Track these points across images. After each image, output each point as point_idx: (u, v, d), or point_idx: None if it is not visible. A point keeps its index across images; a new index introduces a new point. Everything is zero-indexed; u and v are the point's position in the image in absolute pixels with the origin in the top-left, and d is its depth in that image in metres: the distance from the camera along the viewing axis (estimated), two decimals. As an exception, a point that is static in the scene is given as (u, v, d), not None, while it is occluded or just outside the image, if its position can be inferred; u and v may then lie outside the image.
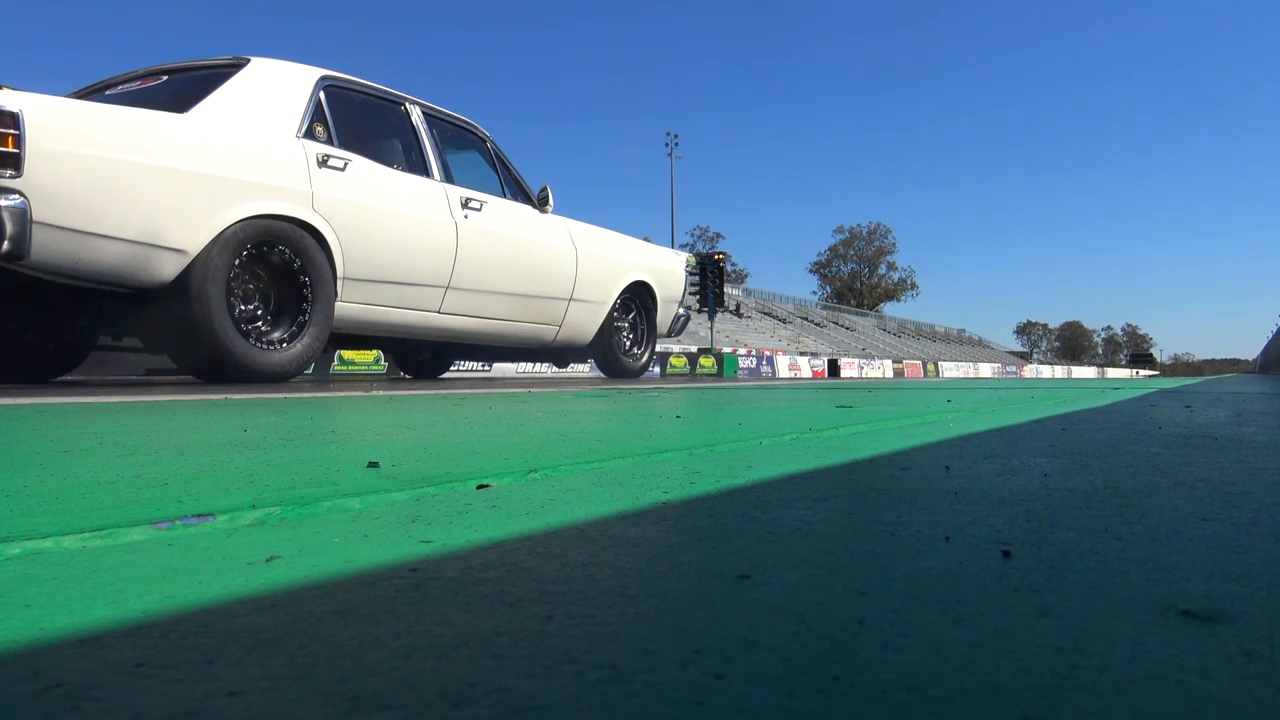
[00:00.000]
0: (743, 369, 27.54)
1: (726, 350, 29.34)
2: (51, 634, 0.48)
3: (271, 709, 0.38)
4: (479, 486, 1.00)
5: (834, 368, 33.32)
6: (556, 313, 5.30)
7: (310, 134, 4.00)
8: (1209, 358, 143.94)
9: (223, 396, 3.07)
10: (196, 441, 1.51)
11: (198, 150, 3.51)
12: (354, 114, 4.30)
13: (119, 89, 4.13)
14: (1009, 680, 0.41)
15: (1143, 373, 76.45)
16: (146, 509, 0.82)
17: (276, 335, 3.89)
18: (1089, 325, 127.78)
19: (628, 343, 6.02)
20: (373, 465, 1.14)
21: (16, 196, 3.01)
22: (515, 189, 5.13)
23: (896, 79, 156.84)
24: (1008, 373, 49.84)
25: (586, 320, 5.53)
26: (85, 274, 3.32)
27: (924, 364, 44.73)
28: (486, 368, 17.69)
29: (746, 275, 73.51)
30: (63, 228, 3.13)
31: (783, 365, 30.99)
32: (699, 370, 23.93)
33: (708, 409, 2.71)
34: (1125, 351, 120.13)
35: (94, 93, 4.21)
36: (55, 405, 2.63)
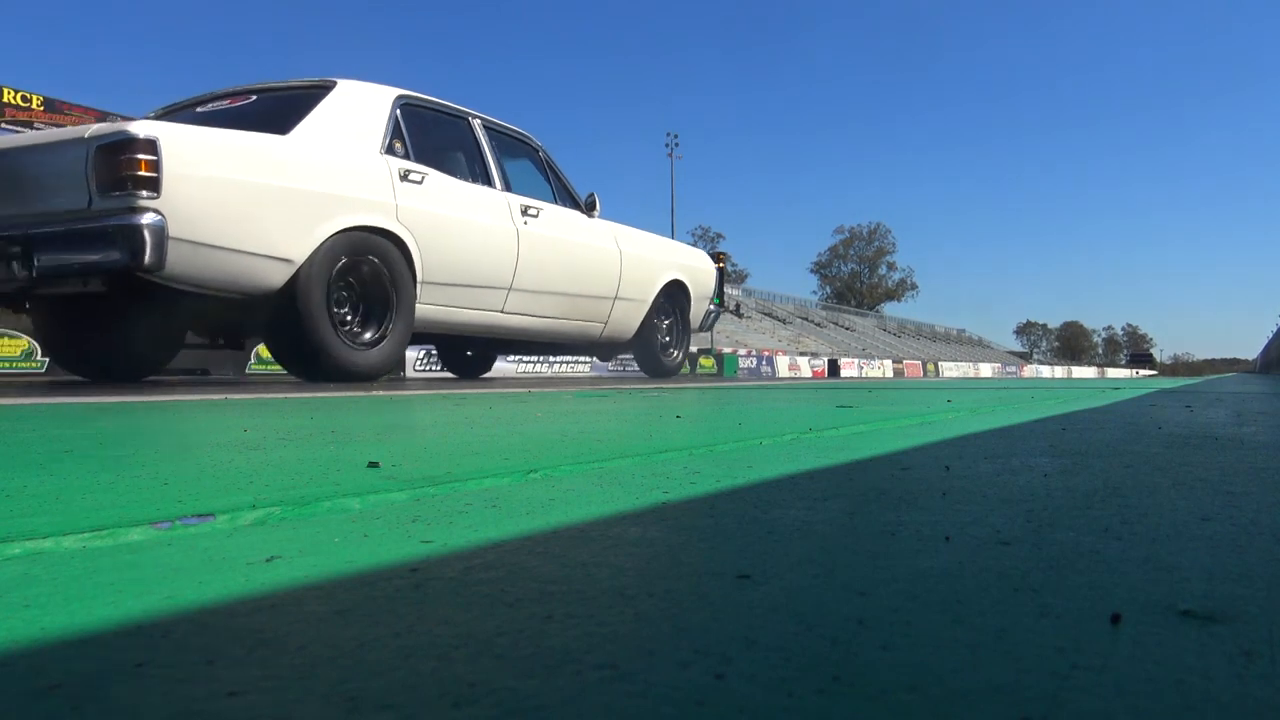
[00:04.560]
0: (743, 369, 27.53)
1: (726, 350, 29.34)
2: (51, 634, 0.48)
3: (271, 709, 0.38)
4: (370, 464, 1.00)
5: (834, 368, 33.33)
6: (603, 311, 5.63)
7: (391, 150, 4.31)
8: (1209, 358, 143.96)
9: (222, 397, 3.07)
10: (196, 441, 1.51)
11: (301, 169, 3.83)
12: (425, 129, 4.62)
13: (209, 107, 4.43)
14: (1009, 680, 0.41)
15: (1142, 373, 76.47)
16: (146, 509, 0.82)
17: (367, 336, 4.19)
18: (1089, 325, 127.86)
19: (665, 338, 6.37)
20: (373, 465, 1.14)
21: (156, 215, 3.29)
22: (564, 195, 5.47)
23: (896, 79, 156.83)
24: (1008, 373, 49.84)
25: (629, 317, 5.86)
26: (209, 284, 3.62)
27: (924, 364, 44.74)
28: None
29: (747, 275, 73.53)
30: (192, 242, 3.43)
31: (783, 365, 30.99)
32: (699, 370, 23.94)
33: (708, 409, 2.71)
34: (1125, 351, 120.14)
35: (184, 109, 4.52)
36: (55, 405, 2.63)
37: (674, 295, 6.30)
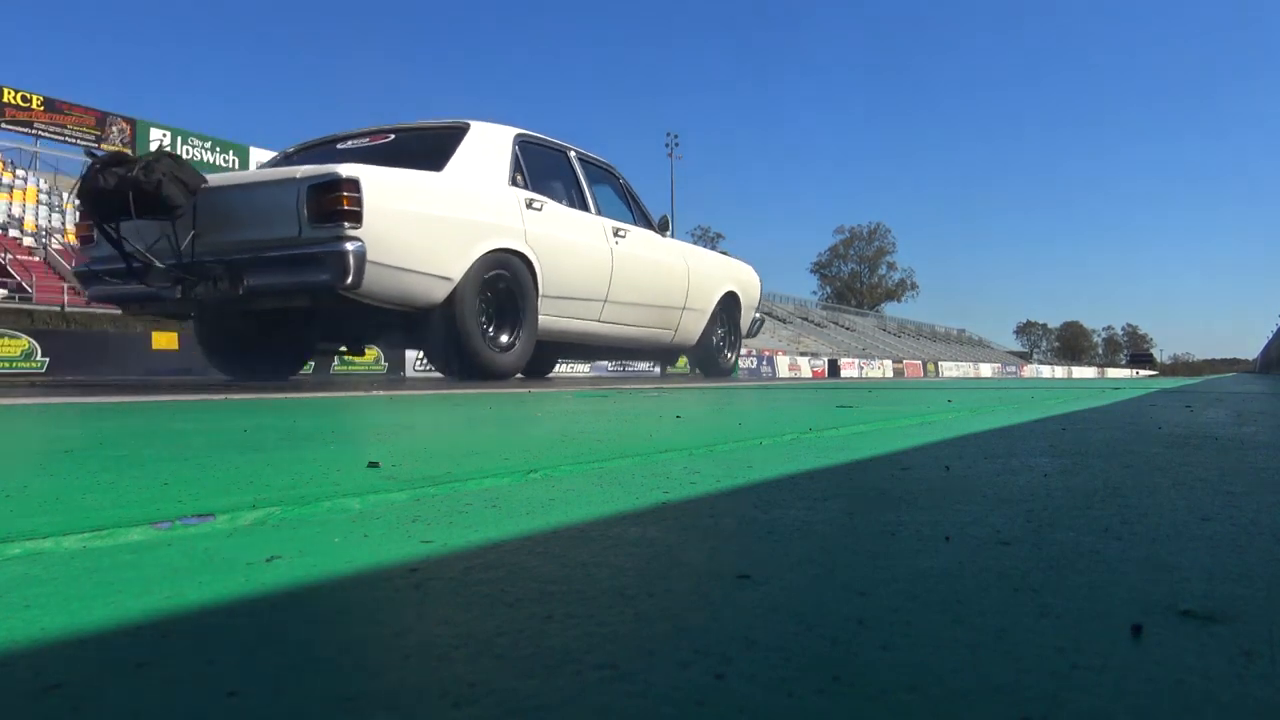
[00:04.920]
0: (743, 369, 27.52)
1: (726, 350, 29.29)
2: (51, 634, 0.48)
3: (271, 709, 0.38)
4: (370, 464, 1.00)
5: (834, 368, 33.31)
6: (674, 320, 6.37)
7: (515, 182, 4.98)
8: (1209, 358, 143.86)
9: (223, 397, 3.07)
10: (196, 441, 1.51)
11: (457, 201, 4.51)
12: (537, 162, 5.27)
13: (349, 144, 5.11)
14: (1009, 680, 0.41)
15: (1142, 373, 76.46)
16: (146, 509, 0.82)
17: (503, 340, 4.87)
18: (1089, 325, 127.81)
19: (721, 344, 7.11)
20: (373, 465, 1.14)
21: (358, 242, 3.87)
22: (641, 217, 6.19)
23: (897, 78, 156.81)
24: (1008, 373, 49.84)
25: (694, 325, 6.62)
26: (391, 299, 4.24)
27: (924, 364, 44.73)
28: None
29: (746, 275, 73.27)
30: (383, 264, 4.01)
31: (783, 365, 30.98)
32: (699, 370, 23.89)
33: (708, 409, 2.71)
34: (1125, 351, 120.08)
35: (325, 145, 5.24)
36: (55, 405, 2.63)
37: (728, 305, 7.03)
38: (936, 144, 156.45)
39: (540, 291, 4.98)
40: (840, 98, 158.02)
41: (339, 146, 5.12)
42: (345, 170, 3.91)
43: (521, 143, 5.14)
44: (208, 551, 0.68)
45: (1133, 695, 0.39)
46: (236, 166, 38.20)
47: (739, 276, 7.19)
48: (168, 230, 4.01)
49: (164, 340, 16.28)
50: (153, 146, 35.45)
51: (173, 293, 4.15)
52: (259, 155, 39.15)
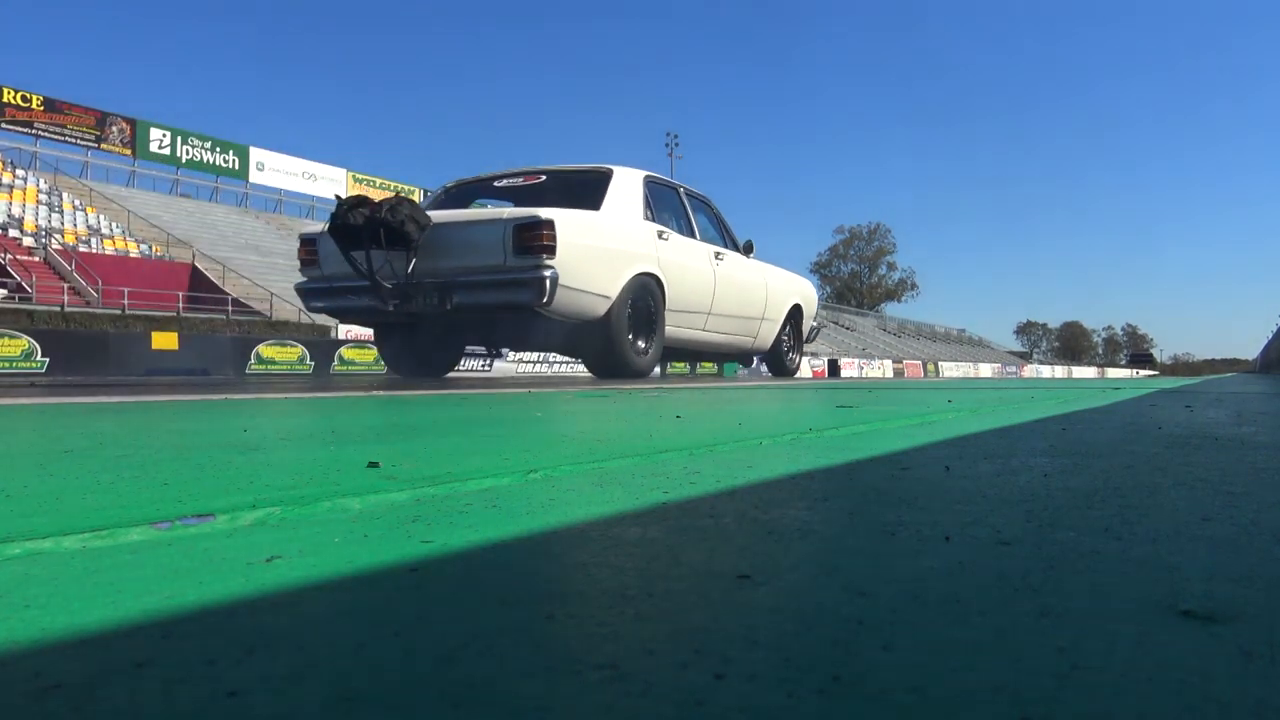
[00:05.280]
0: (743, 369, 27.51)
1: (726, 350, 29.29)
2: (51, 634, 0.48)
3: (271, 709, 0.38)
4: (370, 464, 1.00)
5: (834, 368, 33.29)
6: (755, 329, 7.47)
7: (647, 216, 5.96)
8: (1209, 358, 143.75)
9: (223, 397, 3.07)
10: (196, 441, 1.51)
11: (615, 234, 5.52)
12: (659, 198, 6.31)
13: (504, 182, 6.18)
14: (1009, 680, 0.41)
15: (1142, 373, 76.42)
16: (146, 509, 0.82)
17: (641, 346, 5.85)
18: (1089, 325, 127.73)
19: (787, 348, 8.22)
20: (373, 465, 1.14)
21: (553, 270, 4.86)
22: (730, 241, 7.18)
23: (897, 79, 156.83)
24: (1008, 373, 49.82)
25: (769, 333, 7.73)
26: (569, 314, 5.20)
27: (924, 364, 44.72)
28: (488, 367, 18.62)
29: (746, 275, 73.30)
30: (567, 287, 4.99)
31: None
32: (699, 370, 23.93)
33: (708, 409, 2.71)
34: (1125, 352, 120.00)
35: (483, 182, 6.34)
36: (55, 405, 2.63)
37: (793, 315, 8.19)
38: (937, 144, 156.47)
39: (667, 306, 6.03)
40: (840, 97, 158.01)
41: (496, 184, 6.25)
42: (544, 213, 4.92)
43: (649, 182, 6.17)
44: (208, 551, 0.68)
45: (1133, 695, 0.39)
46: (236, 166, 38.19)
47: (803, 292, 8.39)
48: (393, 258, 5.02)
49: (164, 340, 16.28)
50: (153, 147, 35.44)
51: (388, 306, 5.16)
52: (258, 155, 39.14)
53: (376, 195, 5.37)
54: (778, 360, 8.19)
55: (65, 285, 22.51)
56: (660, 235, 5.96)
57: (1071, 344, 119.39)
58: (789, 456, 1.37)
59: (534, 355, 20.35)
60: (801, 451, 1.44)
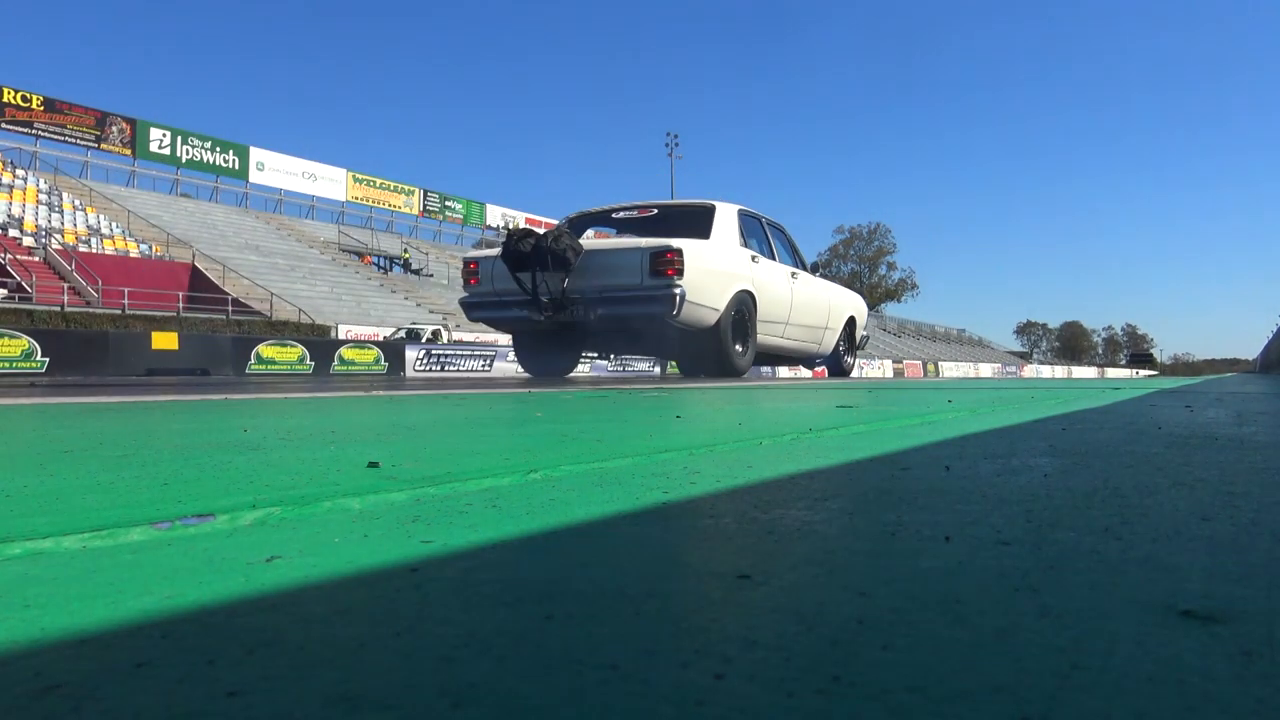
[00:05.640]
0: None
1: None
2: (51, 634, 0.48)
3: (271, 709, 0.38)
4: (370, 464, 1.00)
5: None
6: (820, 337, 8.71)
7: (742, 244, 7.11)
8: (1209, 358, 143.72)
9: (222, 397, 3.07)
10: (196, 441, 1.51)
11: (722, 259, 6.68)
12: (748, 227, 7.43)
13: (621, 214, 7.46)
14: (1009, 680, 0.41)
15: (1142, 373, 76.38)
16: (146, 509, 0.82)
17: (739, 350, 7.00)
18: (1089, 325, 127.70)
19: (844, 352, 9.47)
20: (373, 465, 1.14)
21: (681, 288, 6.07)
22: (800, 261, 8.39)
23: (897, 79, 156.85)
24: (1008, 373, 49.82)
25: (831, 340, 9.00)
26: (689, 323, 6.37)
27: (924, 364, 44.72)
28: (488, 367, 18.64)
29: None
30: (690, 301, 6.17)
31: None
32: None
33: (708, 409, 2.71)
34: (1125, 351, 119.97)
35: (603, 214, 7.63)
36: (55, 405, 2.63)
37: (849, 325, 9.44)
38: (937, 144, 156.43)
39: (759, 318, 7.22)
40: (841, 97, 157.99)
41: (613, 215, 7.54)
42: (675, 243, 6.19)
43: (741, 214, 7.34)
44: (208, 551, 0.68)
45: (1133, 695, 0.39)
46: (236, 166, 38.20)
47: (856, 305, 9.66)
48: (550, 278, 6.24)
49: (164, 340, 16.29)
50: (153, 146, 35.46)
51: (541, 317, 6.40)
52: (258, 155, 39.15)
53: (534, 224, 6.68)
54: (836, 363, 9.48)
55: (65, 285, 22.52)
56: (753, 259, 7.20)
57: (1071, 344, 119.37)
58: (789, 456, 1.37)
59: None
60: (801, 451, 1.44)
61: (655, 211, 7.30)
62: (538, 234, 6.29)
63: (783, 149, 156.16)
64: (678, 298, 6.06)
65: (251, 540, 0.72)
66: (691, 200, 7.38)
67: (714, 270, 6.49)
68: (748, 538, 0.74)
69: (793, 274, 7.97)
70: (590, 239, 6.93)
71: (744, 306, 6.97)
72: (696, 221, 6.89)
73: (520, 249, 6.22)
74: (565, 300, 6.31)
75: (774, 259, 7.72)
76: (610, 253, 6.44)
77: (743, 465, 1.24)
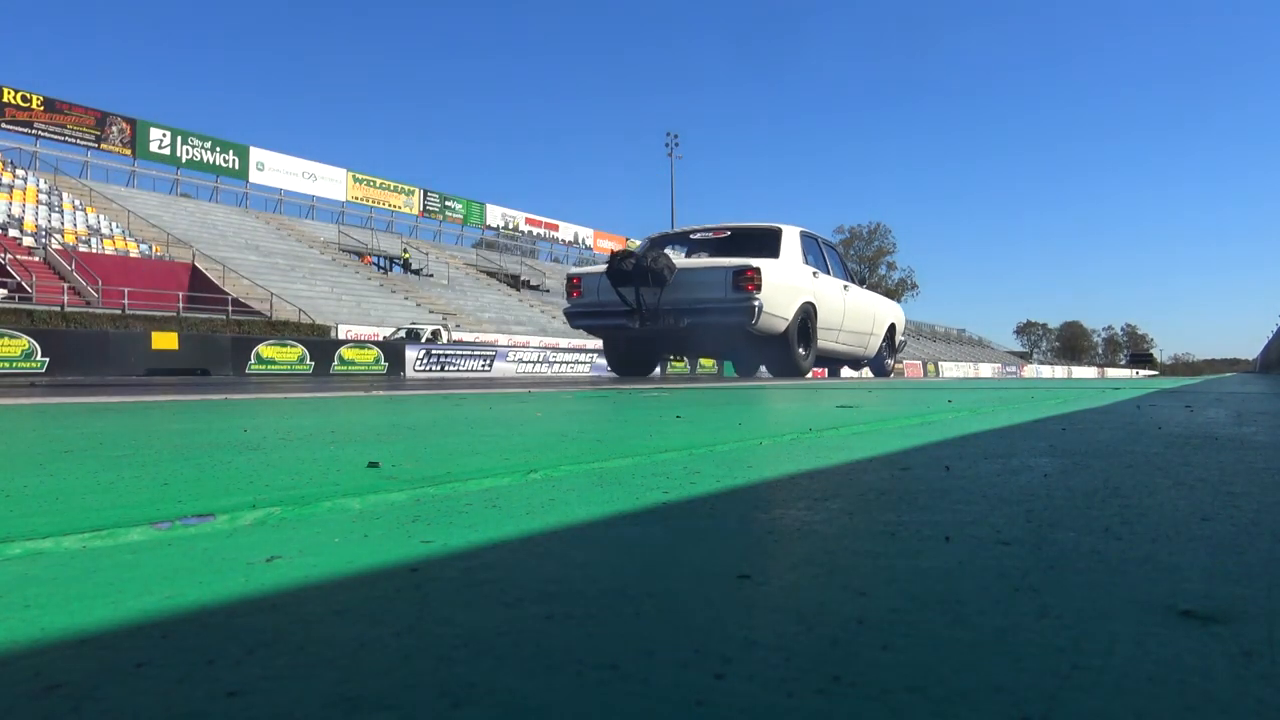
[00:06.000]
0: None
1: (727, 350, 29.30)
2: (51, 634, 0.48)
3: (271, 709, 0.38)
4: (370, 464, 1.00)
5: (834, 368, 33.26)
6: (867, 341, 9.76)
7: (804, 261, 8.11)
8: (1209, 358, 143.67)
9: (223, 397, 3.07)
10: (196, 441, 1.51)
11: (789, 275, 7.67)
12: (808, 246, 8.39)
13: (698, 235, 8.63)
14: (1009, 680, 0.41)
15: (1142, 373, 76.36)
16: (146, 509, 0.82)
17: (802, 353, 8.03)
18: (1089, 325, 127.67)
19: (885, 355, 10.52)
20: (373, 465, 1.14)
21: (759, 301, 7.08)
22: (849, 275, 9.41)
23: (897, 79, 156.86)
24: (1008, 373, 49.81)
25: (875, 345, 10.08)
26: (764, 330, 7.36)
27: (924, 364, 44.71)
28: (488, 367, 18.77)
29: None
30: (765, 312, 7.19)
31: (782, 365, 30.89)
32: (699, 370, 23.95)
33: (708, 409, 2.71)
34: (1125, 351, 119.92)
35: (681, 235, 8.77)
36: (55, 405, 2.63)
37: (890, 331, 10.52)
38: (937, 143, 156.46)
39: (818, 325, 8.27)
40: (841, 97, 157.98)
41: (691, 236, 8.69)
42: (754, 262, 7.22)
43: (802, 235, 8.35)
44: (208, 551, 0.68)
45: (1133, 695, 0.39)
46: (236, 166, 38.22)
47: (897, 313, 10.80)
48: (647, 292, 7.36)
49: (164, 340, 16.29)
50: (153, 146, 35.48)
51: (636, 325, 7.51)
52: (258, 155, 39.15)
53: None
54: (879, 364, 10.61)
55: (65, 285, 22.51)
56: (814, 274, 8.24)
57: (1071, 344, 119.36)
58: (789, 456, 1.37)
59: (534, 356, 21.16)
60: (801, 451, 1.44)
61: (728, 233, 8.44)
62: (637, 255, 7.49)
63: (783, 149, 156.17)
64: (756, 309, 7.11)
65: (251, 540, 0.72)
66: (760, 224, 8.47)
67: (783, 285, 7.50)
68: (748, 538, 0.74)
69: (845, 286, 9.04)
70: (679, 258, 7.92)
71: (807, 316, 8.06)
72: (766, 243, 7.95)
73: (623, 268, 7.41)
74: (659, 311, 7.42)
75: (829, 274, 8.75)
76: (699, 270, 7.48)
77: (743, 465, 1.24)
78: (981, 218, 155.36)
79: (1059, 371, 62.33)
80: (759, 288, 7.11)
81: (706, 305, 7.31)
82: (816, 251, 8.73)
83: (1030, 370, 57.24)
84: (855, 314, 9.23)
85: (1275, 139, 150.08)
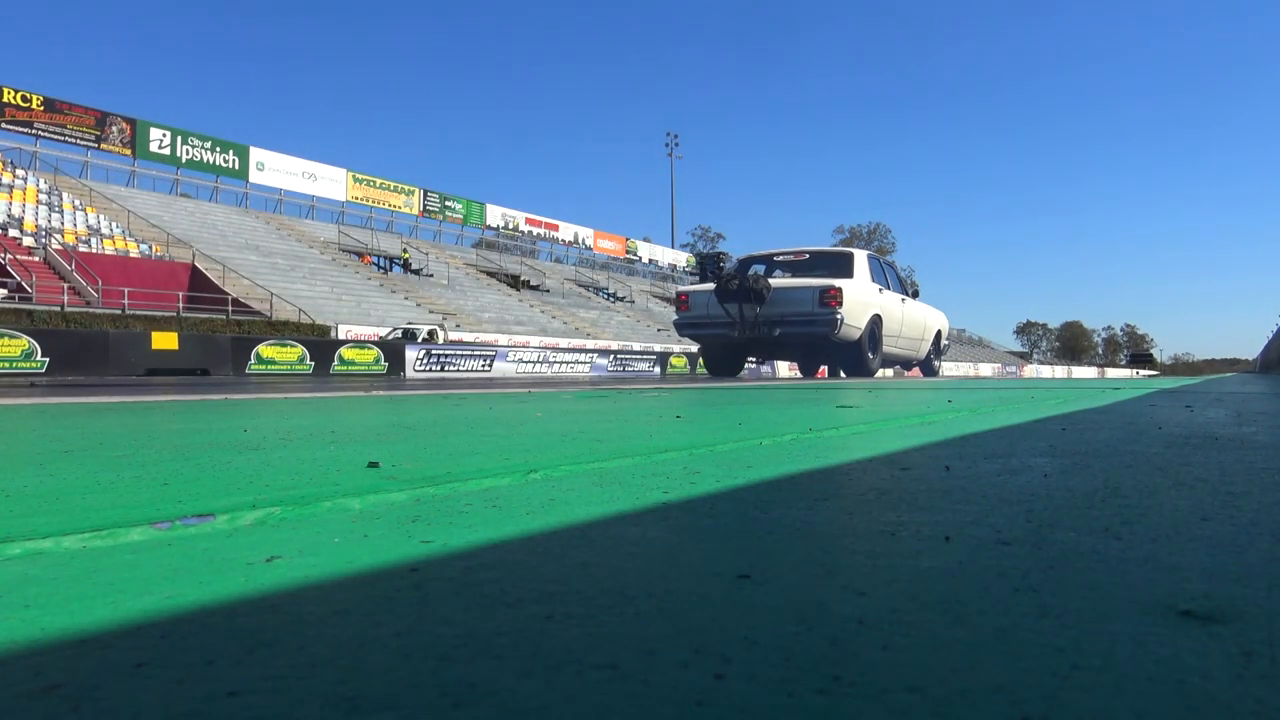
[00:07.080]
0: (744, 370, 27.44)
1: (727, 350, 29.29)
2: (51, 634, 0.48)
3: (271, 709, 0.38)
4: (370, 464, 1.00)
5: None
6: (918, 346, 11.16)
7: (871, 279, 9.43)
8: (1209, 358, 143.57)
9: (223, 397, 3.07)
10: (196, 441, 1.51)
11: (861, 291, 9.00)
12: (873, 266, 9.76)
13: (782, 257, 10.20)
14: (1009, 680, 0.41)
15: (1142, 373, 76.33)
16: (146, 509, 0.82)
17: (871, 357, 9.34)
18: (1089, 325, 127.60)
19: (933, 358, 11.99)
20: (373, 465, 1.14)
21: (841, 313, 8.48)
22: (904, 288, 10.76)
23: (897, 80, 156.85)
24: (1008, 373, 49.79)
25: (925, 349, 11.50)
26: (843, 339, 8.72)
27: (924, 364, 44.60)
28: (488, 367, 18.84)
29: (746, 275, 73.38)
30: (845, 324, 8.56)
31: (783, 365, 30.95)
32: (699, 370, 23.95)
33: (708, 409, 2.71)
34: (1125, 351, 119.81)
35: (766, 257, 10.34)
36: (55, 405, 2.63)
37: (936, 336, 11.91)
38: (937, 144, 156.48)
39: (884, 333, 9.61)
40: (841, 97, 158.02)
41: (775, 258, 10.20)
42: (836, 282, 8.64)
43: (870, 257, 9.82)
44: (208, 551, 0.68)
45: (1133, 695, 0.39)
46: (236, 166, 38.23)
47: (942, 320, 12.15)
48: (747, 308, 8.81)
49: (164, 340, 16.30)
50: (153, 146, 35.47)
51: (735, 334, 8.99)
52: (258, 155, 39.14)
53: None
54: (928, 365, 12.00)
55: (65, 285, 22.51)
56: (880, 290, 9.59)
57: (1071, 344, 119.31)
58: (789, 456, 1.37)
59: (534, 356, 21.34)
60: (801, 451, 1.44)
61: (808, 256, 10.11)
62: (739, 275, 9.03)
63: (783, 149, 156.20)
64: (839, 321, 8.55)
65: (251, 540, 0.72)
66: (835, 248, 10.42)
67: (858, 300, 8.91)
68: (748, 538, 0.74)
69: (902, 299, 10.51)
70: (778, 280, 9.35)
71: (875, 325, 9.41)
72: (841, 264, 9.49)
73: (729, 287, 8.91)
74: (756, 323, 8.96)
75: (890, 289, 10.21)
76: (791, 289, 8.95)
77: (743, 465, 1.24)
78: (982, 218, 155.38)
79: (1059, 372, 62.31)
80: (841, 303, 8.55)
81: (797, 318, 8.80)
82: (880, 270, 10.15)
83: (1030, 370, 57.24)
84: (910, 322, 10.69)
85: (1275, 139, 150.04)
